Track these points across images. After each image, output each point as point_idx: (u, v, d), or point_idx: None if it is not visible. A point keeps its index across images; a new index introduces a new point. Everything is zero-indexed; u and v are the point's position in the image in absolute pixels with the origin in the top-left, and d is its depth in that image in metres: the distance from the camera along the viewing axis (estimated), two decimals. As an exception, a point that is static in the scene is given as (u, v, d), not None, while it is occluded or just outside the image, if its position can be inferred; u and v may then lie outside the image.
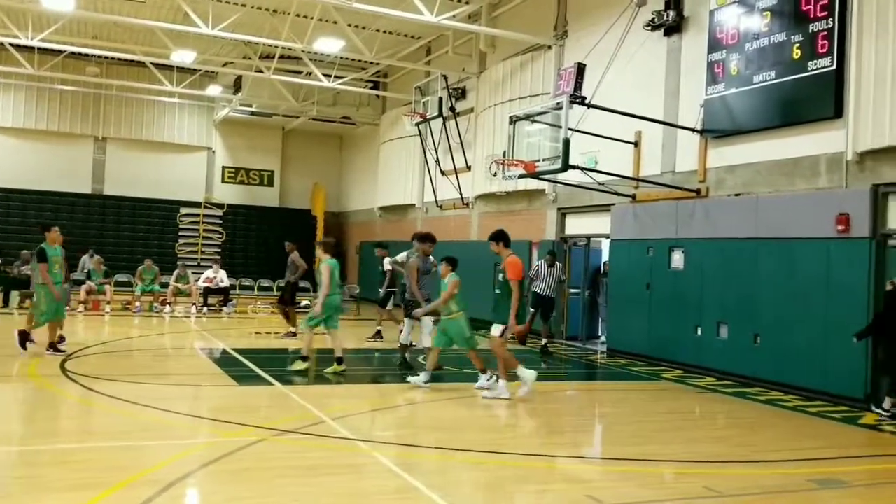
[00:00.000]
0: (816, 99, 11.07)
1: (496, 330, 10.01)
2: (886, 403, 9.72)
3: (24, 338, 11.48)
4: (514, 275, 9.84)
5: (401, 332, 12.40)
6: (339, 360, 11.20)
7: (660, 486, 6.55)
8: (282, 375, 10.84)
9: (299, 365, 11.16)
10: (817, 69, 11.02)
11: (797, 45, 11.34)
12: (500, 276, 10.20)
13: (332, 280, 11.22)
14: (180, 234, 28.82)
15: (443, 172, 21.76)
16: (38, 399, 8.91)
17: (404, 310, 12.27)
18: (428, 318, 11.68)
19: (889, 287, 9.84)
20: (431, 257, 12.30)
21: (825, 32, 10.92)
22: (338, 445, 7.16)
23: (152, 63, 24.20)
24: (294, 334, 15.03)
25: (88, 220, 27.56)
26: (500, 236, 10.22)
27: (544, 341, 14.85)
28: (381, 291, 15.57)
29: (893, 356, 9.60)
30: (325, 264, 11.33)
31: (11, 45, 22.34)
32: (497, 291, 10.56)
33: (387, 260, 15.24)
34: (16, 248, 21.35)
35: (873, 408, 9.89)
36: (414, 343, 13.24)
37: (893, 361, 9.62)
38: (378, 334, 15.51)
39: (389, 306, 15.64)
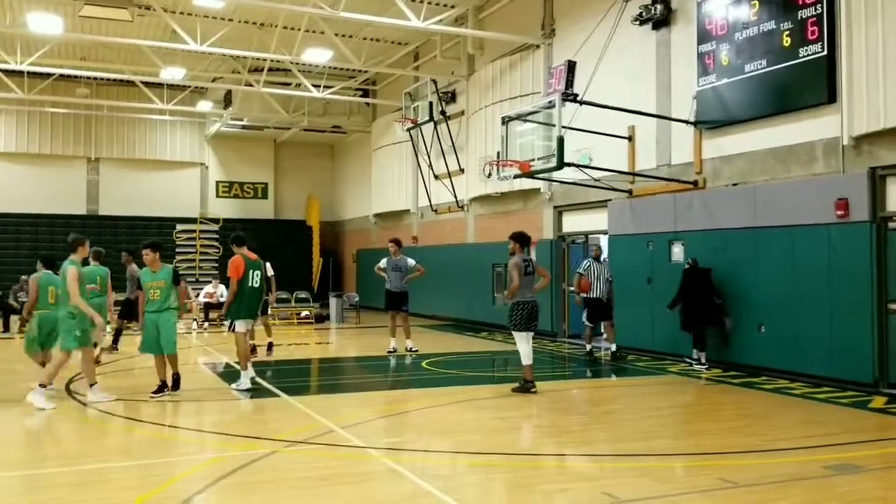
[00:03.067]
0: (809, 85, 11.09)
1: (240, 325, 10.45)
2: (694, 355, 12.28)
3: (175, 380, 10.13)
4: (232, 273, 10.35)
5: None
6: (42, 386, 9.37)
7: (674, 479, 6.53)
8: (288, 386, 10.80)
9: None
10: (808, 55, 11.04)
11: (787, 32, 11.37)
12: (259, 277, 10.59)
13: (43, 294, 10.29)
14: (177, 250, 28.79)
15: (436, 176, 21.77)
16: (46, 422, 8.87)
17: (512, 320, 10.40)
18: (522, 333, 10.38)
19: (687, 266, 12.39)
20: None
21: (814, 18, 10.95)
22: (349, 454, 7.12)
23: (142, 82, 24.18)
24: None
25: (84, 242, 27.45)
26: (234, 239, 10.76)
27: (613, 347, 13.63)
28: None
29: (691, 318, 12.22)
30: (31, 278, 10.51)
31: (1, 70, 22.33)
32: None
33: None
34: (11, 273, 21.27)
35: (686, 359, 12.46)
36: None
37: (692, 322, 12.23)
38: (254, 350, 13.46)
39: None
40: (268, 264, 13.55)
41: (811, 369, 10.98)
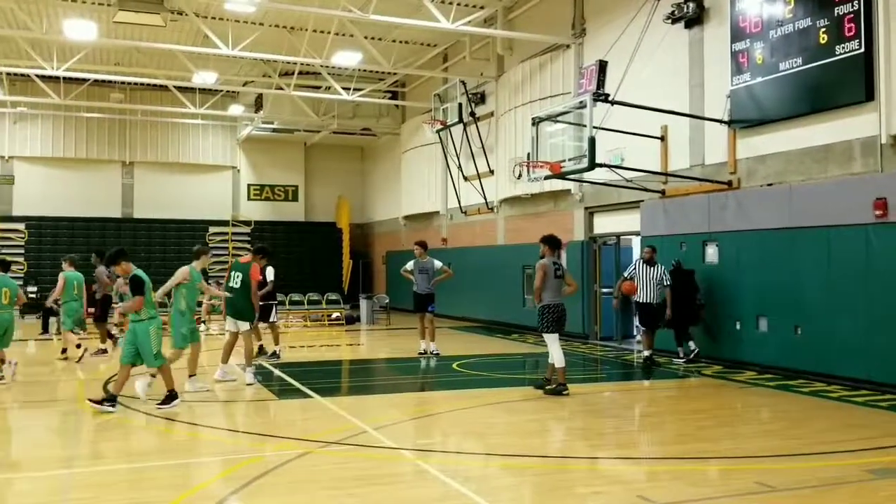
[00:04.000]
0: (846, 83, 10.90)
1: (245, 326, 11.22)
2: (681, 353, 13.17)
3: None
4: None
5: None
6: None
7: (710, 483, 6.45)
8: (320, 388, 10.84)
9: None
10: (845, 53, 10.85)
11: (823, 29, 11.19)
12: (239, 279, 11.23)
13: None
14: (210, 253, 29.06)
15: (466, 178, 21.75)
16: (85, 422, 8.98)
17: (542, 322, 10.38)
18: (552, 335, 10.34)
19: (672, 267, 13.11)
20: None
21: (851, 15, 10.76)
22: (382, 455, 7.13)
23: (175, 86, 24.48)
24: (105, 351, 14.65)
25: (120, 244, 27.79)
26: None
27: (647, 352, 13.10)
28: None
29: (674, 317, 12.97)
30: None
31: (38, 76, 22.73)
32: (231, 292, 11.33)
33: (269, 269, 13.87)
34: (50, 275, 21.61)
35: (674, 360, 13.21)
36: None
37: (674, 321, 13.00)
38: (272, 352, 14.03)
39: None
40: (269, 269, 13.92)
41: (848, 372, 10.78)
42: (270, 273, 14.07)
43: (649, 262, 13.15)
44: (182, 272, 10.31)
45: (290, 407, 9.76)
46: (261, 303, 13.67)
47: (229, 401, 10.09)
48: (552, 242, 10.52)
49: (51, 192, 27.89)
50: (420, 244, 14.88)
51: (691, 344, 13.09)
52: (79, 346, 13.62)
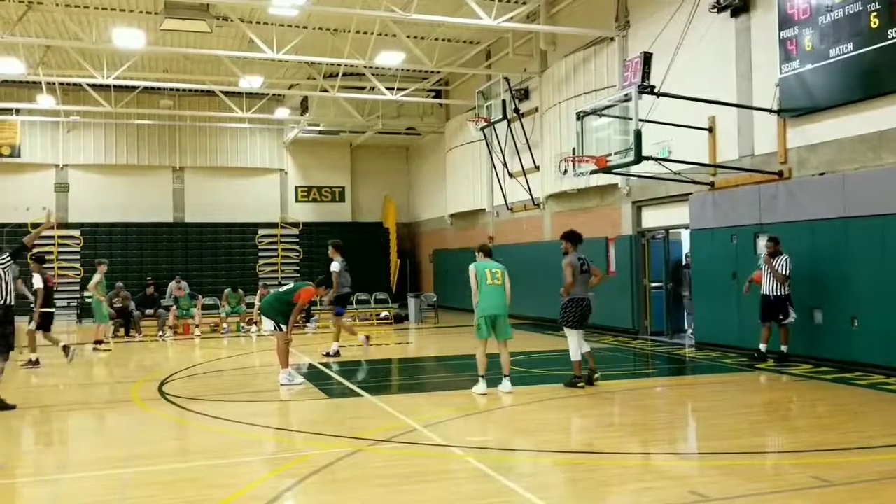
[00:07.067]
0: (900, 67, 10.60)
1: (271, 324, 11.53)
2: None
3: None
4: None
5: None
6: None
7: (765, 478, 6.35)
8: (370, 386, 10.94)
9: None
10: (898, 36, 10.56)
11: (874, 13, 10.90)
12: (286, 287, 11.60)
13: None
14: (260, 254, 29.54)
15: (511, 175, 21.68)
16: (141, 422, 9.20)
17: (564, 317, 10.61)
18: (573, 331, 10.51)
19: (684, 261, 15.79)
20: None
21: (904, -3, 10.47)
22: (432, 452, 7.17)
23: (222, 91, 24.88)
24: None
25: (172, 248, 28.52)
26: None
27: (762, 346, 12.27)
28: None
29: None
30: None
31: (89, 85, 23.32)
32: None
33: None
34: (106, 280, 22.12)
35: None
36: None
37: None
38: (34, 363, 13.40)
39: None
40: (37, 276, 13.58)
41: (909, 364, 10.51)
42: (38, 280, 13.58)
43: (772, 254, 12.15)
44: (472, 271, 10.15)
45: (341, 406, 9.86)
46: (42, 310, 13.60)
47: (281, 400, 10.24)
48: (574, 238, 10.68)
49: (104, 199, 28.58)
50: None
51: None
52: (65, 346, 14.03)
